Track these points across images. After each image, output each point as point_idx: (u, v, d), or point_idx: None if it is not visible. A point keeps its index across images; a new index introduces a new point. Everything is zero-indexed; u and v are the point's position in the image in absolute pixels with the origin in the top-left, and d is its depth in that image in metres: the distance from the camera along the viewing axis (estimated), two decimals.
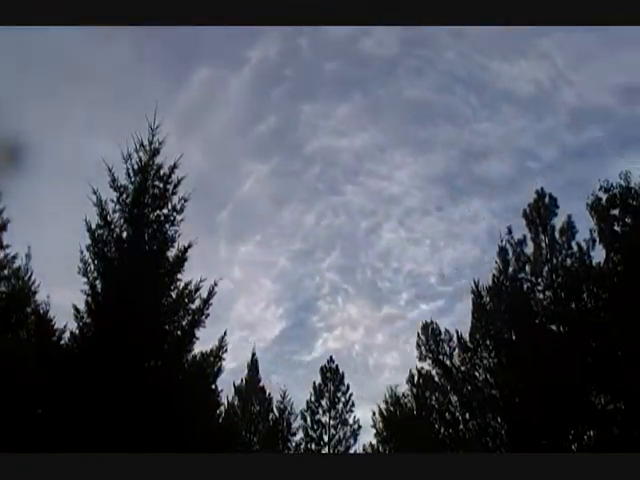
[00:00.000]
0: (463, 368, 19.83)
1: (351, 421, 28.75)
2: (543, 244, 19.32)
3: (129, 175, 10.73)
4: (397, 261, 52.18)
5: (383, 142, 53.28)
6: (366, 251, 55.33)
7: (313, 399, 29.05)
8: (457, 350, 20.44)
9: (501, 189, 54.59)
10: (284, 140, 48.97)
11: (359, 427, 28.47)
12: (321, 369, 29.54)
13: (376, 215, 58.74)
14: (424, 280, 54.04)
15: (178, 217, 10.75)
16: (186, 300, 10.37)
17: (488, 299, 19.28)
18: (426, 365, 21.68)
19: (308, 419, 28.56)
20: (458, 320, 49.41)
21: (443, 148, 53.72)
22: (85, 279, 10.14)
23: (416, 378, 22.37)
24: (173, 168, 10.91)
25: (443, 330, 21.49)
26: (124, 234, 10.48)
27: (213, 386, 11.51)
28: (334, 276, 51.31)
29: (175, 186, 10.86)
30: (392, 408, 23.35)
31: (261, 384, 26.59)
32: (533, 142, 49.52)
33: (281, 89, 47.35)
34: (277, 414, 25.81)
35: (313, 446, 28.00)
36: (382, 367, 48.62)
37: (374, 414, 24.32)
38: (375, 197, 54.57)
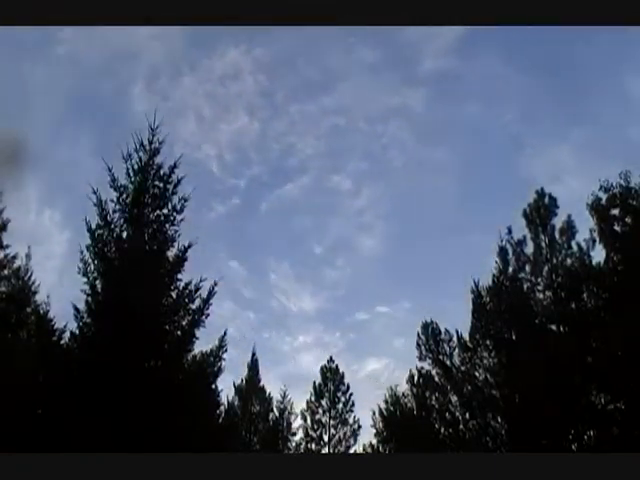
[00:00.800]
0: (463, 368, 19.82)
1: (351, 421, 28.81)
2: (543, 244, 19.33)
3: (129, 175, 10.74)
4: (163, 141, 44.15)
5: None
6: (120, 125, 41.28)
7: (313, 399, 29.08)
8: (457, 350, 20.44)
9: (258, 32, 42.16)
10: None
11: (359, 427, 28.55)
12: (321, 369, 29.55)
13: (116, 75, 43.34)
14: (205, 168, 39.81)
15: (178, 217, 10.77)
16: (186, 300, 10.38)
17: (488, 299, 19.27)
18: (426, 365, 21.68)
19: (308, 419, 28.59)
20: (267, 223, 40.35)
21: None
22: (85, 279, 10.16)
23: (416, 378, 22.37)
24: (173, 168, 10.92)
25: (443, 330, 21.50)
26: (124, 234, 10.49)
27: (213, 386, 11.52)
28: (96, 161, 42.62)
29: (175, 186, 10.88)
30: (392, 408, 23.35)
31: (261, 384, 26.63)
32: None
33: None
34: (277, 414, 25.81)
35: (313, 446, 28.01)
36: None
37: (374, 414, 24.35)
38: (105, 49, 39.63)
